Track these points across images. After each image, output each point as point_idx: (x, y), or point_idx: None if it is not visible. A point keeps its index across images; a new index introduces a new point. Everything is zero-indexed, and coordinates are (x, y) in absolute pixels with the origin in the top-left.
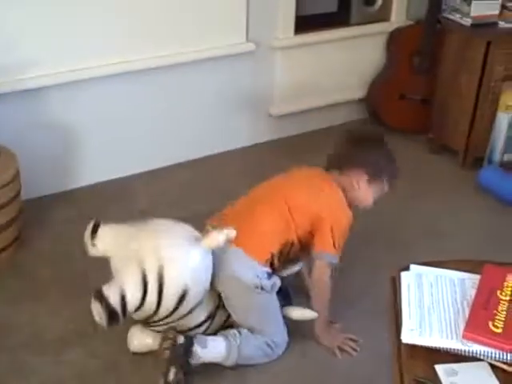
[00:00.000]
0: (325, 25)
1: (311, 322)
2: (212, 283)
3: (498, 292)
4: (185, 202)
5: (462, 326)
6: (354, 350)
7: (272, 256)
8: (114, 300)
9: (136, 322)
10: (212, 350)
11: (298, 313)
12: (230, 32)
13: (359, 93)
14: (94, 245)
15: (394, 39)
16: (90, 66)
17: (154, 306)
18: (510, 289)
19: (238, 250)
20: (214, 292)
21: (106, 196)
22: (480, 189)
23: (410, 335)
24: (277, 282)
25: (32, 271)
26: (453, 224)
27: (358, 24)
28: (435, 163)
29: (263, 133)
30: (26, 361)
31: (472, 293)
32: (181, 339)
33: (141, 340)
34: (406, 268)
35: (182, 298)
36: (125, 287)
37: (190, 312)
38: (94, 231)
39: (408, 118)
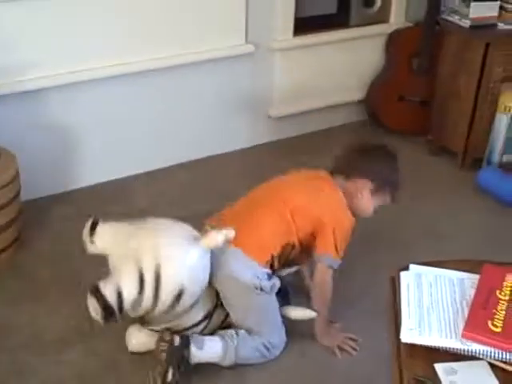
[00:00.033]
0: (324, 26)
1: (310, 321)
2: (210, 282)
3: (497, 292)
4: (184, 203)
5: (461, 326)
6: (354, 349)
7: (272, 257)
8: (111, 297)
9: (134, 322)
10: (209, 350)
11: (296, 313)
12: (229, 34)
13: (358, 94)
14: (92, 242)
15: (393, 41)
16: (90, 68)
17: (150, 304)
18: (509, 288)
19: (237, 251)
20: (212, 291)
21: (105, 197)
22: (479, 190)
23: (409, 335)
24: (276, 283)
25: (32, 272)
26: (452, 225)
27: (357, 26)
28: (434, 165)
29: (262, 134)
30: (26, 361)
31: (471, 292)
32: (177, 340)
33: (139, 339)
34: (406, 268)
35: (178, 297)
36: (121, 284)
37: (186, 311)
38: (93, 228)
39: (407, 119)
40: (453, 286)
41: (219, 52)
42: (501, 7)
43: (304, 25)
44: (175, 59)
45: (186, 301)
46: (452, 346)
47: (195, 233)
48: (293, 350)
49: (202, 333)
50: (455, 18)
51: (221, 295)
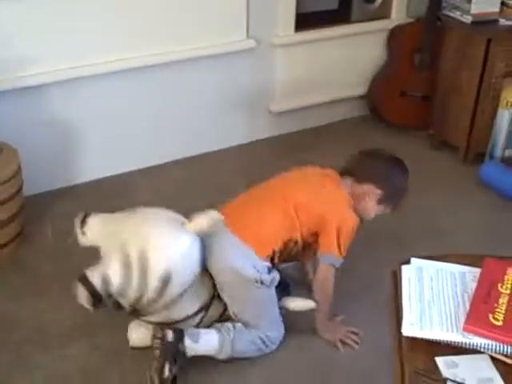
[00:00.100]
0: (325, 22)
1: (311, 316)
2: (209, 272)
3: (499, 285)
4: (185, 199)
5: (462, 319)
6: (356, 342)
7: (273, 252)
8: (98, 283)
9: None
10: (205, 343)
11: (295, 303)
12: (231, 29)
13: (359, 89)
14: (83, 233)
15: (395, 36)
16: (90, 64)
17: (137, 290)
18: (510, 282)
19: (239, 243)
20: (208, 283)
21: (106, 192)
22: (481, 184)
23: (410, 328)
24: (276, 276)
25: (34, 266)
26: (454, 220)
27: (359, 21)
28: (436, 159)
29: (263, 130)
30: (29, 356)
31: (472, 286)
32: (170, 336)
33: (139, 334)
34: (407, 261)
35: (165, 281)
36: (108, 270)
37: (176, 300)
38: (84, 221)
39: (409, 114)
40: (454, 279)
41: (220, 47)
42: (502, 3)
43: (305, 20)
44: (176, 55)
45: (175, 288)
46: (453, 340)
47: (182, 218)
48: (294, 344)
49: (198, 325)
50: (456, 14)
51: (218, 286)
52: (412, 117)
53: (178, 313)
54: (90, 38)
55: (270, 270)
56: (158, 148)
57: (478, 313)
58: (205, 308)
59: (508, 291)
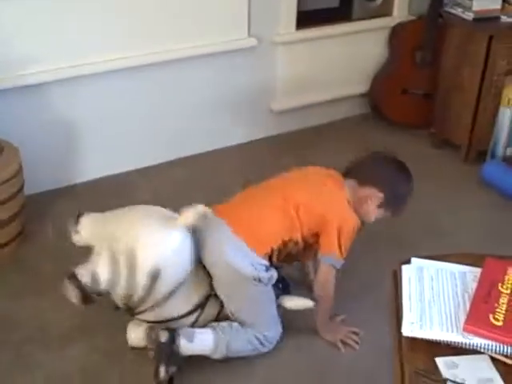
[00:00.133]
0: (327, 20)
1: (311, 315)
2: (203, 270)
3: (499, 285)
4: (186, 198)
5: (462, 319)
6: (357, 343)
7: (272, 250)
8: (86, 279)
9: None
10: (199, 343)
11: (292, 302)
12: (232, 27)
13: (361, 88)
14: (76, 232)
15: (396, 34)
16: (91, 62)
17: (126, 286)
18: (510, 282)
19: (237, 240)
20: (204, 281)
21: (108, 191)
22: (483, 184)
23: (410, 328)
24: (274, 275)
25: (35, 266)
26: (456, 219)
27: (360, 19)
28: (438, 158)
29: (265, 128)
30: (30, 355)
31: (473, 286)
32: (163, 337)
33: (137, 334)
34: (408, 261)
35: (154, 278)
36: (96, 266)
37: (169, 297)
38: (77, 220)
39: (410, 112)
40: (454, 279)
41: (221, 46)
42: (504, 0)
43: (307, 18)
44: (177, 53)
45: (165, 285)
46: (453, 340)
47: (172, 214)
48: (292, 344)
49: (194, 325)
50: (458, 11)
51: (214, 284)
52: (413, 115)
53: (171, 311)
54: (91, 36)
55: (267, 269)
56: (159, 147)
57: (478, 313)
58: (200, 307)
59: (508, 291)
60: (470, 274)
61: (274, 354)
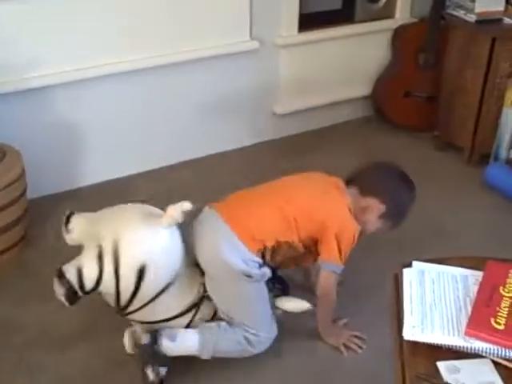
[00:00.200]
0: (329, 22)
1: (313, 319)
2: (196, 271)
3: (501, 288)
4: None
5: (464, 323)
6: (360, 347)
7: (265, 247)
8: (73, 277)
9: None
10: (182, 343)
11: (289, 304)
12: (234, 30)
13: (364, 90)
14: (68, 231)
15: (399, 36)
16: (94, 65)
17: (113, 283)
18: None
19: (231, 235)
20: (197, 282)
21: (110, 194)
22: (486, 186)
23: (411, 332)
24: (267, 272)
25: (38, 270)
26: (459, 221)
27: (363, 21)
28: (441, 160)
29: (267, 131)
30: (34, 359)
31: (474, 289)
32: (145, 339)
33: (132, 341)
34: (409, 264)
35: (140, 275)
36: (82, 264)
37: (158, 296)
38: (68, 220)
39: (413, 115)
40: (456, 282)
41: (224, 48)
42: (507, 2)
43: (309, 21)
44: (179, 56)
45: (153, 280)
46: (455, 344)
47: (158, 211)
48: (294, 347)
49: (189, 326)
50: (460, 13)
51: (206, 282)
52: (417, 117)
53: (162, 312)
54: (95, 39)
55: (260, 266)
56: (161, 150)
57: (480, 317)
58: (194, 308)
59: (510, 294)
60: (471, 278)
61: (275, 357)
